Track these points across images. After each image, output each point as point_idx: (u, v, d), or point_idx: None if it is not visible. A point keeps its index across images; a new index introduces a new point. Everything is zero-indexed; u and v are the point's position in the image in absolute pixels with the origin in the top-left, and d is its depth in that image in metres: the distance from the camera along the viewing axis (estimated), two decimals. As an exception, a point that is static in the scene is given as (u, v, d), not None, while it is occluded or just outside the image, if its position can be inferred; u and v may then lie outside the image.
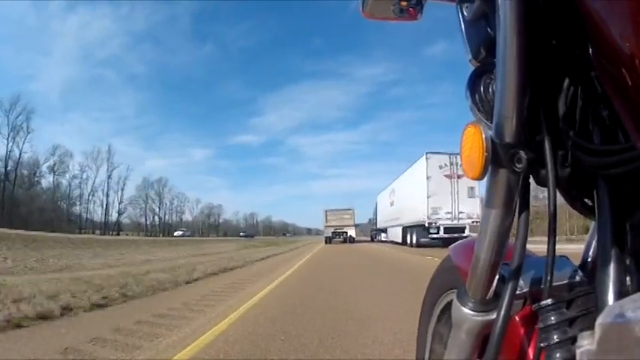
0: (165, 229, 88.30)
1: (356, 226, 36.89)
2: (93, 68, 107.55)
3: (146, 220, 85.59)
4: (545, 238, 0.47)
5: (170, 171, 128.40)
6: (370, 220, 39.55)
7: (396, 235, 24.67)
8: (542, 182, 0.47)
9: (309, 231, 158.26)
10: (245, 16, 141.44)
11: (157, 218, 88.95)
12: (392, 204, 26.64)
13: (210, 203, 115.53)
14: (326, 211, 35.26)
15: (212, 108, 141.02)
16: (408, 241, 20.78)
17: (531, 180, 0.49)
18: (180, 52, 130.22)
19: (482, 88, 0.52)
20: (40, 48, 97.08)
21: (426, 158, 18.33)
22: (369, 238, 39.52)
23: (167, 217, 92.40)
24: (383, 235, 31.04)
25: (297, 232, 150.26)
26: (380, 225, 32.43)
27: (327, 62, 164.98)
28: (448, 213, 17.66)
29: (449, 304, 0.74)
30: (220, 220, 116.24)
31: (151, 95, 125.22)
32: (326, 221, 34.62)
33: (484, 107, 0.51)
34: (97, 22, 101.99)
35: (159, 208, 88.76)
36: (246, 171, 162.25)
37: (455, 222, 17.56)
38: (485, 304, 0.54)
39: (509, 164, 0.44)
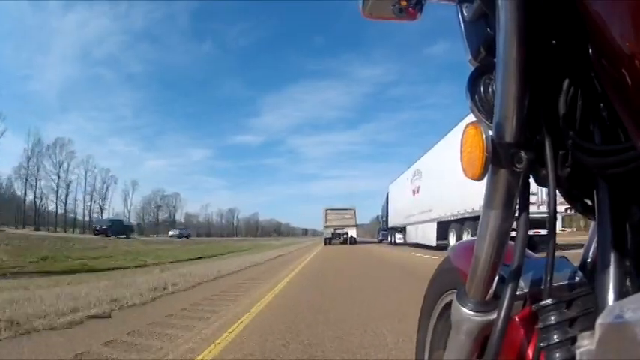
0: (80, 221, 58.47)
1: (357, 226, 33.89)
2: (90, 67, 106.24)
3: (35, 204, 54.49)
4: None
5: (168, 171, 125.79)
6: (378, 217, 33.69)
7: (423, 234, 17.18)
8: (542, 182, 0.47)
9: (304, 232, 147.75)
10: (244, 15, 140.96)
11: (61, 204, 56.94)
12: (416, 192, 18.50)
13: (161, 190, 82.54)
14: (326, 210, 32.30)
15: (210, 108, 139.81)
16: (452, 243, 11.34)
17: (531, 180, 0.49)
18: (179, 52, 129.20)
19: (482, 88, 0.52)
20: (37, 47, 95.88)
21: None
22: (377, 240, 33.13)
23: (80, 203, 61.12)
24: (398, 235, 23.18)
25: (292, 233, 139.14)
26: (393, 223, 24.38)
27: (327, 62, 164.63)
28: (532, 195, 8.89)
29: (448, 305, 0.74)
30: (178, 216, 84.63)
31: (148, 95, 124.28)
32: (326, 221, 31.63)
33: (484, 107, 0.51)
34: (95, 20, 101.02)
35: (57, 185, 56.08)
36: (244, 171, 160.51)
37: (541, 209, 5.53)
38: (485, 305, 0.54)
39: (509, 164, 0.44)
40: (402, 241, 22.50)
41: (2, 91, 74.80)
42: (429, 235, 16.18)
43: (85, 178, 62.44)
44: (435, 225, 15.29)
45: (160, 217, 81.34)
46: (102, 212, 64.31)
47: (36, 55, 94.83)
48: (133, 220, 70.57)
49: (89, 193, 63.32)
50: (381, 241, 30.66)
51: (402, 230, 22.40)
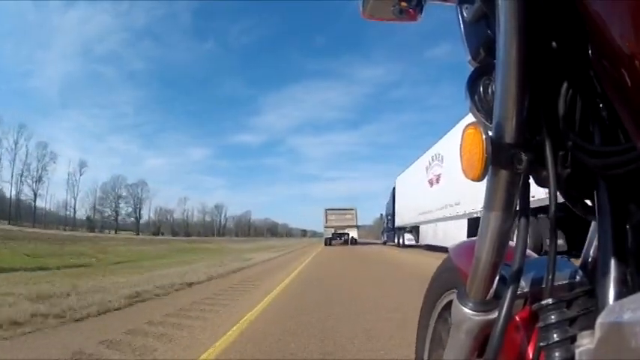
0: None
1: (358, 227, 33.16)
2: (91, 65, 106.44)
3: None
4: None
5: (167, 169, 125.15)
6: (382, 215, 29.97)
7: (445, 235, 13.11)
8: (542, 183, 0.47)
9: (304, 233, 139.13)
10: (246, 14, 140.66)
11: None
12: (435, 182, 14.70)
13: (122, 177, 64.61)
14: (326, 210, 31.60)
15: (211, 106, 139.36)
16: None
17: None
18: (180, 49, 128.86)
19: (481, 89, 0.52)
20: (39, 43, 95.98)
21: None
22: (380, 242, 29.90)
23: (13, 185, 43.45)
24: (407, 236, 19.31)
25: (290, 234, 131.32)
26: (402, 221, 20.43)
27: (328, 62, 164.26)
28: None
29: (449, 304, 0.74)
30: (146, 210, 68.11)
31: (149, 93, 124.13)
32: (326, 221, 30.88)
33: (484, 108, 0.52)
34: (96, 17, 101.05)
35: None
36: (243, 171, 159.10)
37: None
38: (486, 305, 0.54)
39: (509, 165, 0.45)
40: (412, 242, 18.46)
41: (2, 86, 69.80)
42: (455, 235, 11.39)
43: (15, 152, 43.10)
44: (464, 222, 11.31)
45: (122, 211, 64.20)
46: (35, 198, 45.41)
47: (37, 52, 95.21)
48: (83, 213, 53.30)
49: (19, 173, 43.33)
50: (385, 243, 26.61)
51: (413, 230, 18.37)
